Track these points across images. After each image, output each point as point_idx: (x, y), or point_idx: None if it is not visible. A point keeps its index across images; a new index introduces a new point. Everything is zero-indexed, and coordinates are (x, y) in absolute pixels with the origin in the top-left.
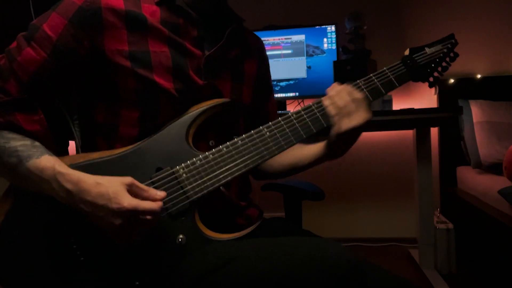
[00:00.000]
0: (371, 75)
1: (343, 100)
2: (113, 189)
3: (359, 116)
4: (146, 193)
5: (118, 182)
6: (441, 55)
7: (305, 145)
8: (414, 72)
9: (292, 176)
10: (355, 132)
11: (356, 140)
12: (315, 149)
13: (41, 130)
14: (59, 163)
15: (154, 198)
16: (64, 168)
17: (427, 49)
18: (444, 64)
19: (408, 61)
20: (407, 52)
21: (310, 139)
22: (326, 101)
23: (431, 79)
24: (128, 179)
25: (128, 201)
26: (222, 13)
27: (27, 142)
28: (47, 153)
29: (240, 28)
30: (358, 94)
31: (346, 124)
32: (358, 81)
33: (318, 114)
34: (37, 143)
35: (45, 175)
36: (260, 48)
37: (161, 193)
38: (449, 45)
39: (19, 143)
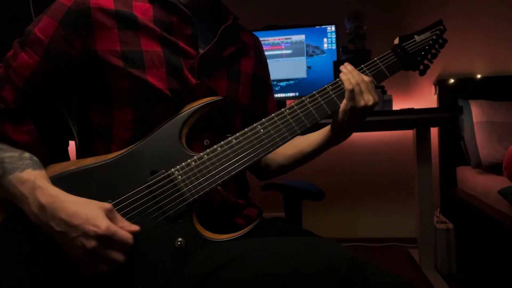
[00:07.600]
0: (362, 66)
1: (357, 78)
2: (91, 211)
3: (373, 96)
4: (121, 223)
5: (97, 205)
6: (431, 42)
7: (306, 136)
8: (404, 61)
9: (292, 176)
10: (366, 112)
11: (362, 121)
12: (317, 135)
13: (30, 140)
14: (40, 177)
15: (128, 230)
16: (44, 183)
17: (416, 37)
18: (433, 51)
19: (399, 50)
20: (396, 41)
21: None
22: (343, 76)
23: (421, 67)
24: (108, 205)
25: (107, 225)
26: (217, 11)
27: (15, 154)
28: (32, 167)
29: (235, 26)
30: (367, 77)
31: (362, 101)
32: None
33: (322, 101)
34: (25, 155)
35: (24, 189)
36: (256, 46)
37: (135, 227)
38: (437, 32)
39: (6, 154)
